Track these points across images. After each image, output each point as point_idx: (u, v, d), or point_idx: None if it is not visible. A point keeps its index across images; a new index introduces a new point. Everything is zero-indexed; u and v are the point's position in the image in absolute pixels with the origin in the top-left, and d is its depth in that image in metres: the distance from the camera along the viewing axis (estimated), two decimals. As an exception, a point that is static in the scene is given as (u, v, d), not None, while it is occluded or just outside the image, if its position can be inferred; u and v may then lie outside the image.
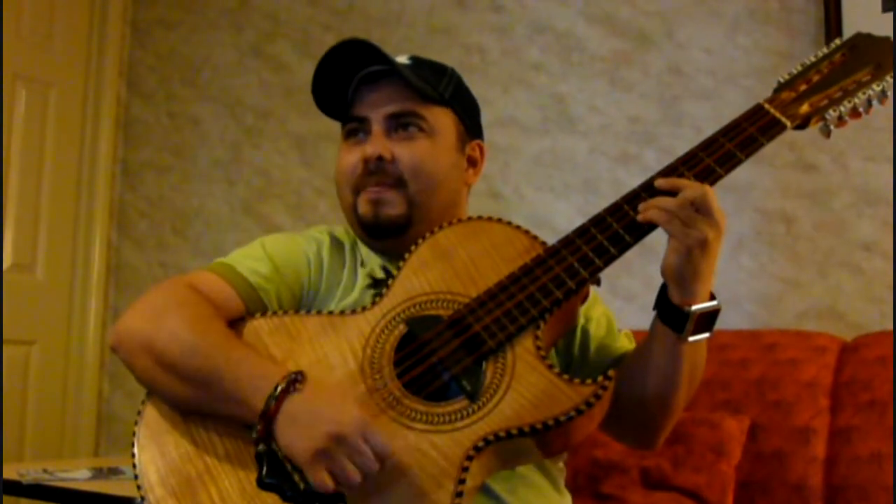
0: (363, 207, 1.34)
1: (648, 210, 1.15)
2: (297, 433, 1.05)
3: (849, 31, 2.40)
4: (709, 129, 2.60)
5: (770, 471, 2.05)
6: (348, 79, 1.37)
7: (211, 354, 1.14)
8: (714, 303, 1.16)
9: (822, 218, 2.43)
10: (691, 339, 1.17)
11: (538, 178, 2.79)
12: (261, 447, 1.07)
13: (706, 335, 1.18)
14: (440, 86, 1.38)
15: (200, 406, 1.14)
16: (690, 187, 1.15)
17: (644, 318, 2.58)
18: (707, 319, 1.16)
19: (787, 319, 2.43)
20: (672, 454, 2.03)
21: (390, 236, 1.35)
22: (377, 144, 1.33)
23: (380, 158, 1.32)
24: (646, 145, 2.67)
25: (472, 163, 1.43)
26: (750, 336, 2.25)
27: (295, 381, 1.08)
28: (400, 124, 1.34)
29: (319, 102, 1.40)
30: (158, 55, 3.57)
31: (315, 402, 1.07)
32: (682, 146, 2.57)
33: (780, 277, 2.46)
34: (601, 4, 2.78)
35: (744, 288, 2.46)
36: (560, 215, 2.74)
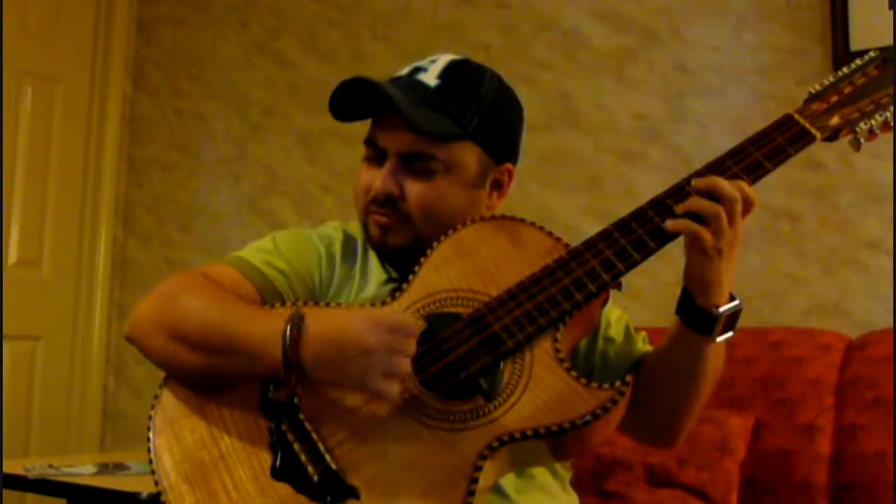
0: (372, 230, 1.33)
1: (693, 200, 1.14)
2: (332, 375, 1.07)
3: (855, 28, 2.39)
4: (714, 127, 2.63)
5: (775, 469, 2.05)
6: (364, 98, 1.31)
7: (218, 316, 1.14)
8: (737, 302, 1.18)
9: (828, 215, 2.43)
10: (719, 339, 1.18)
11: (543, 175, 2.79)
12: (275, 437, 1.09)
13: (730, 334, 1.20)
14: (465, 116, 1.30)
15: (220, 372, 1.14)
16: (735, 185, 1.14)
17: (650, 315, 2.57)
18: (732, 318, 1.18)
19: (793, 317, 2.42)
20: (677, 452, 2.03)
21: (398, 259, 1.33)
22: (386, 180, 1.29)
23: (387, 196, 1.29)
24: (651, 143, 2.66)
25: (498, 186, 1.39)
26: (755, 334, 2.25)
27: (298, 323, 1.08)
28: (414, 164, 1.29)
29: (337, 116, 1.35)
30: (164, 52, 3.57)
31: (331, 335, 1.07)
32: (688, 143, 2.60)
33: (786, 275, 2.46)
34: (607, 1, 2.77)
35: (749, 285, 2.45)
36: (565, 212, 2.74)
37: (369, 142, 1.34)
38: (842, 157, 2.40)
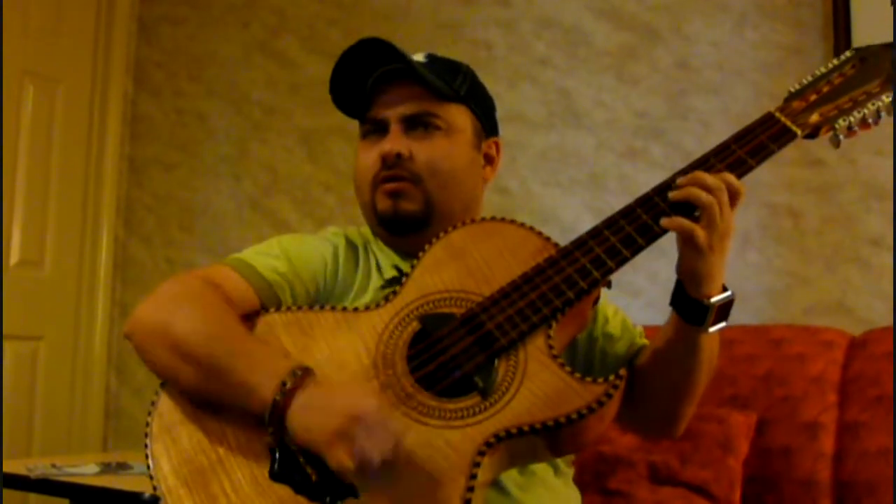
0: (381, 203, 1.35)
1: (688, 189, 1.15)
2: (313, 419, 1.06)
3: (857, 25, 2.39)
4: (716, 124, 2.62)
5: (778, 466, 2.05)
6: (364, 78, 1.38)
7: (226, 343, 1.15)
8: (729, 293, 1.19)
9: (830, 212, 2.42)
10: (711, 329, 1.19)
11: (545, 173, 2.79)
12: (270, 440, 1.09)
13: (724, 324, 1.21)
14: (455, 83, 1.39)
15: (212, 395, 1.15)
16: (719, 176, 1.16)
17: (650, 313, 2.57)
18: (724, 309, 1.19)
19: (795, 314, 2.42)
20: (679, 450, 2.03)
21: (409, 232, 1.35)
22: (395, 141, 1.34)
23: (398, 155, 1.33)
24: (652, 140, 2.66)
25: (489, 160, 1.44)
26: (757, 331, 2.25)
27: (304, 376, 1.09)
28: (418, 124, 1.36)
29: (337, 100, 1.41)
30: (165, 51, 3.57)
31: (329, 391, 1.08)
32: (689, 141, 2.60)
33: (788, 272, 2.46)
34: (608, -1, 2.78)
35: (751, 283, 2.45)
36: (567, 210, 2.74)
37: (368, 119, 1.39)
38: (843, 154, 2.40)
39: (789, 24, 2.53)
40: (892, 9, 2.32)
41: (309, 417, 1.06)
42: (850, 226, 2.40)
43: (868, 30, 2.37)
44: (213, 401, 1.15)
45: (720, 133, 2.51)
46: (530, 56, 2.86)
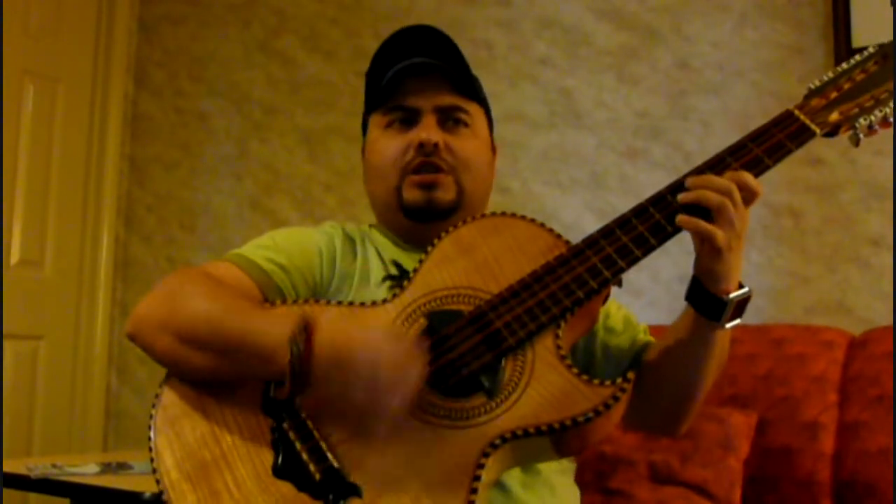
0: (412, 192, 1.35)
1: (696, 191, 1.14)
2: (339, 385, 1.06)
3: (857, 25, 2.39)
4: (716, 124, 2.63)
5: (778, 466, 2.05)
6: (391, 65, 1.38)
7: (229, 318, 1.13)
8: (746, 289, 1.19)
9: (830, 212, 2.42)
10: (727, 325, 1.19)
11: (546, 172, 2.79)
12: (276, 435, 1.09)
13: (738, 321, 1.21)
14: (475, 85, 1.42)
15: (226, 373, 1.14)
16: (735, 176, 1.16)
17: (652, 313, 2.58)
18: (741, 305, 1.19)
19: (795, 314, 2.42)
20: (680, 449, 2.03)
21: (437, 219, 1.35)
22: (432, 131, 1.35)
23: (435, 145, 1.34)
24: (653, 140, 2.66)
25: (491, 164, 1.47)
26: (757, 331, 2.25)
27: (307, 326, 1.08)
28: (450, 118, 1.37)
29: (371, 84, 1.41)
30: (166, 51, 3.57)
31: (337, 343, 1.07)
32: (690, 141, 2.60)
33: (788, 272, 2.46)
34: (608, -1, 2.78)
35: (751, 282, 2.42)
36: (567, 210, 2.74)
37: (396, 106, 1.38)
38: (844, 154, 2.40)
39: (790, 24, 2.53)
40: (892, 9, 2.32)
41: (334, 386, 1.06)
42: (850, 226, 2.40)
43: (868, 30, 2.37)
44: (228, 379, 1.14)
45: (720, 133, 2.54)
46: (531, 56, 2.86)
